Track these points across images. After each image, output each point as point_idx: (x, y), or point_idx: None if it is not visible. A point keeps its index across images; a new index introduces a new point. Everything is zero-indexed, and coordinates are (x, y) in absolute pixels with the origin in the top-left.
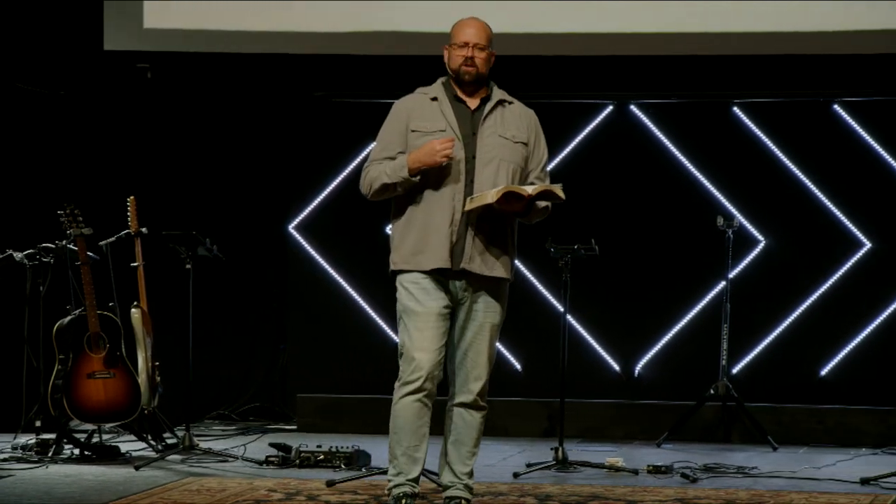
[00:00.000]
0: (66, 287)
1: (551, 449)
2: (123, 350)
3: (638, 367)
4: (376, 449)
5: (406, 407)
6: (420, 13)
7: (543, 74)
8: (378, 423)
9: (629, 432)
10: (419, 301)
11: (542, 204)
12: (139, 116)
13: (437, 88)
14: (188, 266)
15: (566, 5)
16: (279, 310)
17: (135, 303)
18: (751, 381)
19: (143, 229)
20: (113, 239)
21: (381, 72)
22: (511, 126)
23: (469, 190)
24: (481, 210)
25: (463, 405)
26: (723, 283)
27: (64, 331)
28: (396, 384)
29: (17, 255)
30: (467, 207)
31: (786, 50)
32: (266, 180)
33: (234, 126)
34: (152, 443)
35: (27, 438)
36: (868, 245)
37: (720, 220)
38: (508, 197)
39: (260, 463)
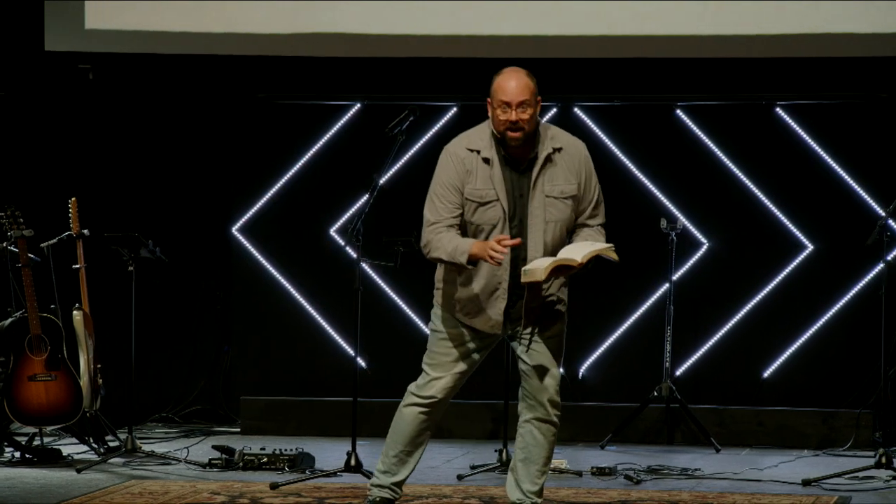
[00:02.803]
0: (6, 289)
1: (495, 451)
2: (65, 352)
3: (582, 369)
4: (320, 451)
5: (411, 415)
6: (362, 15)
7: (490, 76)
8: (322, 425)
9: (573, 434)
10: (452, 333)
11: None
12: (81, 117)
13: (487, 145)
14: (130, 268)
15: (511, 8)
16: (222, 312)
17: (76, 305)
18: (694, 383)
19: (85, 231)
20: (54, 241)
21: (324, 74)
22: (559, 179)
23: (520, 255)
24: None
25: (537, 420)
26: (666, 286)
27: (4, 333)
28: (411, 386)
29: None
30: (523, 280)
31: (728, 53)
32: (209, 182)
33: (177, 128)
34: (94, 446)
35: None
36: (810, 247)
37: (663, 223)
38: (559, 269)
39: (203, 466)
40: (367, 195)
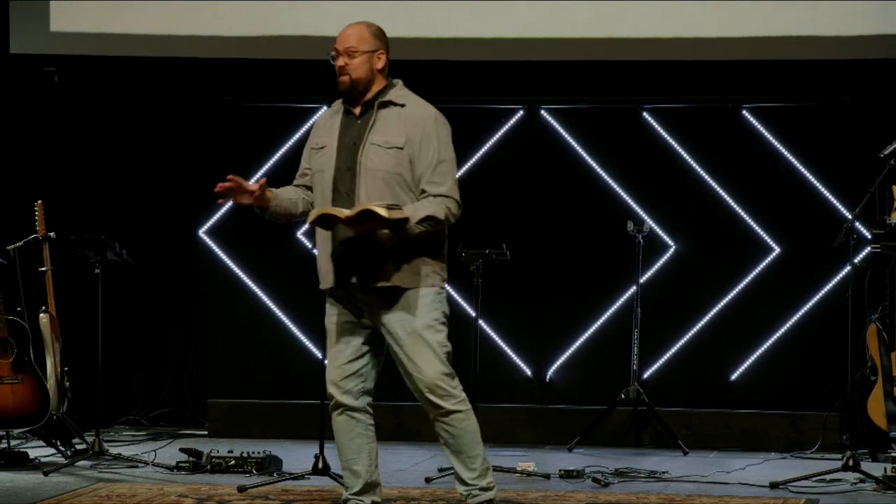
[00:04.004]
0: None
1: None
2: (32, 355)
3: (549, 372)
4: (288, 454)
5: (335, 422)
6: (327, 17)
7: (455, 79)
8: (289, 428)
9: (540, 437)
10: (328, 316)
11: (419, 221)
12: (47, 120)
13: (339, 102)
14: (97, 271)
15: (477, 10)
16: (189, 314)
17: (43, 307)
18: (661, 386)
19: (52, 234)
20: (20, 243)
21: (290, 76)
22: (390, 131)
23: (345, 203)
24: (357, 226)
25: (433, 419)
26: (633, 288)
27: None
28: None
29: None
30: (310, 218)
31: (694, 56)
32: (175, 185)
33: (143, 130)
34: (61, 448)
35: None
36: (777, 250)
37: (630, 225)
38: (362, 217)
39: (171, 468)
40: None
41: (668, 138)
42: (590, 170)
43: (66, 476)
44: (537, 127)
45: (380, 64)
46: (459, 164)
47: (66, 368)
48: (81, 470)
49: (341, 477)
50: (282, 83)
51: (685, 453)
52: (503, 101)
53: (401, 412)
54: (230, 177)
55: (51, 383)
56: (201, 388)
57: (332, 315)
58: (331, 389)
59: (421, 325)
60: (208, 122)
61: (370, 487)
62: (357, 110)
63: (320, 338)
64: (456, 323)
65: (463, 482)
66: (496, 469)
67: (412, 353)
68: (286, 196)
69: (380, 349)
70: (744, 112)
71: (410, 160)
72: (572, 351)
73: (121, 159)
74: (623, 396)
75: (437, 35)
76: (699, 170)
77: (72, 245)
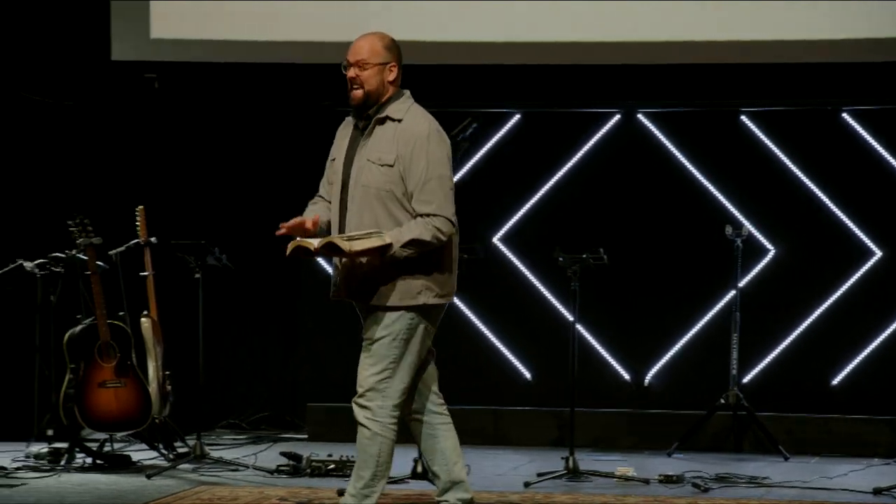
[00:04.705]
0: (76, 296)
1: (562, 458)
2: (134, 359)
3: (648, 376)
4: None
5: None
6: (422, 23)
7: (553, 84)
8: None
9: (639, 442)
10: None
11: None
12: (147, 126)
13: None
14: (197, 275)
15: (575, 14)
16: (289, 318)
17: (145, 312)
18: (761, 391)
19: (153, 239)
20: (122, 248)
21: None
22: (382, 147)
23: (342, 217)
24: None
25: (356, 416)
26: (732, 293)
27: (75, 340)
28: None
29: (28, 265)
30: (288, 250)
31: (794, 58)
32: (274, 189)
33: (242, 135)
34: (164, 452)
35: (39, 447)
36: (879, 253)
37: (729, 229)
38: (329, 248)
39: (271, 472)
40: None
41: (767, 142)
42: (687, 174)
43: (169, 479)
44: (634, 131)
45: (391, 76)
46: (555, 168)
47: (167, 372)
48: (183, 473)
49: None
50: None
51: (786, 459)
52: (600, 105)
53: (500, 417)
54: (284, 226)
55: (153, 387)
56: (301, 391)
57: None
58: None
59: (377, 335)
60: (306, 127)
61: (451, 486)
62: (361, 124)
63: None
64: (553, 327)
65: (347, 491)
66: (595, 473)
67: (364, 356)
68: (326, 214)
69: None
70: (844, 114)
71: (402, 177)
72: (671, 355)
73: (220, 164)
74: (722, 401)
75: (534, 39)
76: (799, 173)
77: (172, 250)
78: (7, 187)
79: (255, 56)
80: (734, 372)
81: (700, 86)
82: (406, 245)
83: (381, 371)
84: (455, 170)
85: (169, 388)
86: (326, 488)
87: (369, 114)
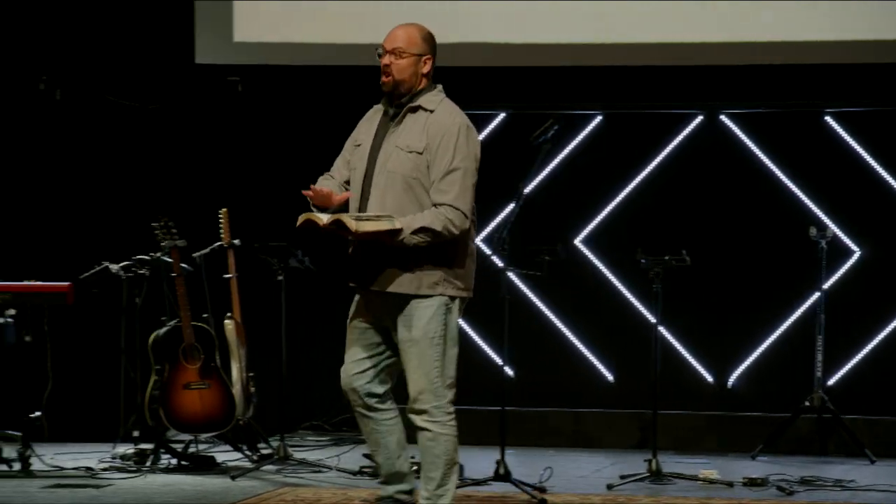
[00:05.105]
0: (161, 298)
1: (644, 461)
2: (218, 361)
3: (732, 379)
4: (469, 460)
5: (356, 417)
6: (506, 24)
7: (635, 85)
8: (468, 433)
9: (723, 444)
10: (349, 317)
11: (414, 232)
12: (231, 129)
13: (385, 99)
14: (280, 277)
15: (657, 15)
16: None
17: (228, 314)
18: (847, 393)
19: (236, 241)
20: (206, 251)
21: (468, 83)
22: (412, 135)
23: (363, 200)
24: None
25: (412, 422)
26: (817, 294)
27: (160, 342)
28: None
29: (114, 268)
30: (298, 222)
31: (877, 59)
32: None
33: (323, 138)
34: (247, 453)
35: (125, 448)
36: None
37: (813, 231)
38: (337, 225)
39: (354, 473)
40: (512, 204)
41: (852, 142)
42: (771, 175)
43: (253, 480)
44: (716, 132)
45: (425, 69)
46: (637, 169)
47: (251, 374)
48: (267, 474)
49: (524, 483)
50: (460, 90)
51: (872, 462)
52: (682, 106)
53: (582, 418)
54: (314, 188)
55: (236, 389)
56: None
57: (353, 312)
58: (343, 387)
59: (418, 335)
60: None
61: (396, 477)
62: (392, 111)
63: (499, 343)
64: (635, 328)
65: (420, 497)
66: (678, 476)
67: (406, 361)
68: (338, 190)
69: (394, 350)
70: None
71: (428, 165)
72: (754, 357)
73: (302, 167)
74: (807, 403)
75: (616, 40)
76: (884, 173)
77: (256, 252)
78: (93, 190)
79: (337, 59)
80: (819, 374)
81: (783, 86)
82: (416, 232)
83: (427, 372)
84: (536, 172)
85: (252, 389)
86: None
87: (402, 102)
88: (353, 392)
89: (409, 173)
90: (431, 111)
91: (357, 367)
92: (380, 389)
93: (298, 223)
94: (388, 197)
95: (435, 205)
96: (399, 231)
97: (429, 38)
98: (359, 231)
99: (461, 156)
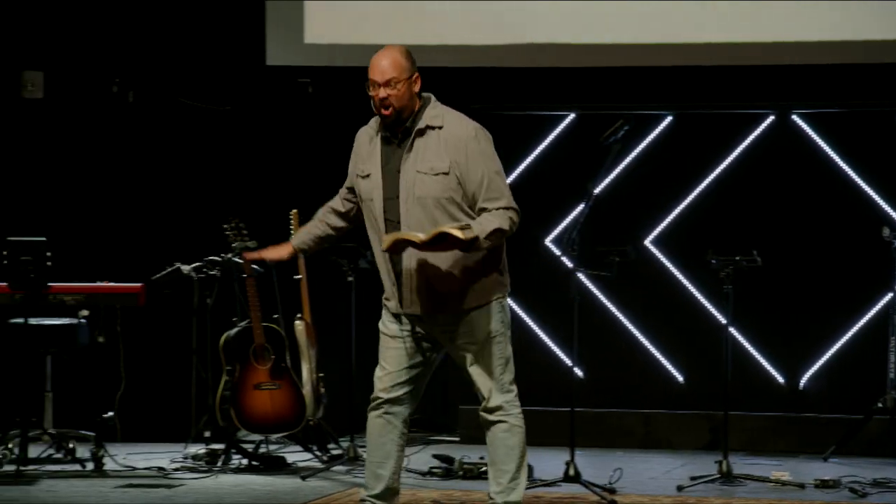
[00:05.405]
0: (232, 299)
1: (715, 462)
2: (288, 362)
3: (803, 380)
4: (539, 461)
5: (372, 423)
6: (577, 24)
7: (706, 85)
8: (541, 434)
9: (794, 446)
10: (385, 323)
11: (487, 236)
12: (301, 130)
13: (376, 123)
14: (350, 278)
15: (728, 16)
16: None
17: (298, 315)
18: None
19: None
20: None
21: (538, 84)
22: (430, 155)
23: (388, 230)
24: (413, 250)
25: (484, 422)
26: (890, 295)
27: (231, 343)
28: None
29: (185, 269)
30: (384, 245)
31: None
32: None
33: None
34: (318, 453)
35: (197, 448)
36: None
37: (886, 231)
38: (437, 240)
39: (423, 474)
40: (582, 205)
41: None
42: (843, 175)
43: (323, 480)
44: (788, 132)
45: (416, 87)
46: (708, 169)
47: (321, 374)
48: (337, 474)
49: (593, 484)
50: (530, 91)
51: None
52: (753, 106)
53: (651, 420)
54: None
55: (307, 389)
56: (453, 394)
57: (391, 319)
58: (378, 391)
59: (482, 337)
60: None
61: (390, 494)
62: (398, 138)
63: (569, 344)
64: (706, 329)
65: (489, 493)
66: (749, 477)
67: (471, 364)
68: (313, 235)
69: (433, 359)
70: None
71: (459, 182)
72: (826, 358)
73: None
74: (880, 405)
75: (687, 41)
76: None
77: (325, 253)
78: (165, 192)
79: None
80: (892, 375)
81: (855, 86)
82: (489, 235)
83: (494, 370)
84: (606, 172)
85: (322, 390)
86: (479, 491)
87: (407, 127)
88: (393, 402)
89: (440, 195)
90: (440, 127)
91: (397, 379)
92: (412, 404)
93: (385, 246)
94: (422, 221)
95: (493, 210)
96: (476, 238)
97: (409, 57)
98: (466, 238)
99: (489, 160)
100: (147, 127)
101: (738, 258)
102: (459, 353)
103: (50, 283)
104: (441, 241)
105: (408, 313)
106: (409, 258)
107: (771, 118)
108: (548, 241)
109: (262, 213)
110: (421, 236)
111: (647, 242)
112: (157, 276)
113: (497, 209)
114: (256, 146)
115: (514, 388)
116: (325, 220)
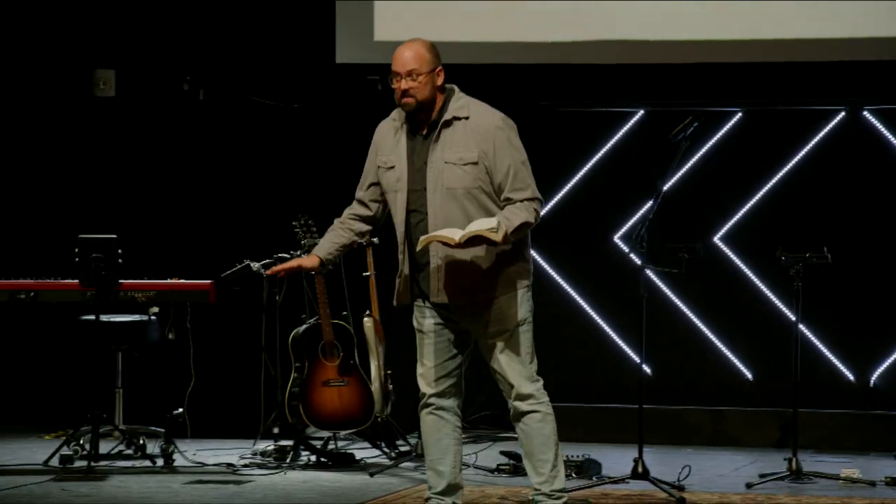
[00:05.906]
0: (300, 296)
1: (784, 459)
2: (357, 358)
3: (874, 377)
4: (607, 457)
5: (423, 420)
6: (645, 22)
7: (776, 81)
8: (608, 431)
9: (865, 443)
10: (418, 320)
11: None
12: (370, 128)
13: (401, 115)
14: None
15: (798, 12)
16: None
17: (367, 312)
18: None
19: (375, 239)
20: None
21: (606, 81)
22: (458, 146)
23: (424, 223)
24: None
25: (512, 418)
26: None
27: (299, 339)
28: None
29: (255, 265)
30: (420, 246)
31: None
32: None
33: None
34: (386, 450)
35: (266, 445)
36: None
37: None
38: (471, 241)
39: (491, 471)
40: (650, 202)
41: None
42: None
43: (391, 477)
44: (860, 128)
45: (440, 80)
46: (778, 166)
47: (389, 371)
48: (405, 471)
49: (662, 481)
50: (598, 88)
51: None
52: (825, 102)
53: (720, 417)
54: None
55: (375, 386)
56: None
57: (423, 315)
58: (424, 388)
59: (510, 326)
60: (525, 128)
61: (453, 489)
62: (424, 129)
63: (637, 341)
64: (775, 326)
65: (533, 485)
66: (819, 475)
67: (499, 352)
68: (338, 244)
69: (468, 349)
70: None
71: (487, 171)
72: None
73: None
74: None
75: (758, 37)
76: None
77: (394, 251)
78: (235, 189)
79: (475, 57)
80: None
81: None
82: (516, 230)
83: (523, 359)
84: (675, 169)
85: (390, 387)
86: None
87: (433, 119)
88: (440, 396)
89: (469, 185)
90: (466, 118)
91: (439, 372)
92: (458, 396)
93: (421, 246)
94: (453, 212)
95: (518, 201)
96: (505, 234)
97: (434, 50)
98: (500, 239)
99: (515, 149)
100: (217, 124)
101: (808, 255)
102: (489, 341)
103: (121, 281)
104: (473, 241)
105: (435, 303)
106: (436, 248)
107: (842, 114)
108: (616, 238)
109: (331, 210)
110: (455, 238)
111: (716, 239)
112: (227, 273)
113: (522, 200)
114: (325, 143)
115: (539, 377)
116: (349, 228)
